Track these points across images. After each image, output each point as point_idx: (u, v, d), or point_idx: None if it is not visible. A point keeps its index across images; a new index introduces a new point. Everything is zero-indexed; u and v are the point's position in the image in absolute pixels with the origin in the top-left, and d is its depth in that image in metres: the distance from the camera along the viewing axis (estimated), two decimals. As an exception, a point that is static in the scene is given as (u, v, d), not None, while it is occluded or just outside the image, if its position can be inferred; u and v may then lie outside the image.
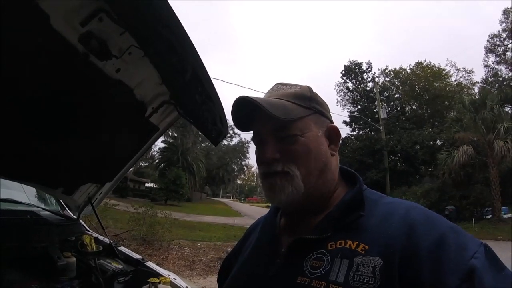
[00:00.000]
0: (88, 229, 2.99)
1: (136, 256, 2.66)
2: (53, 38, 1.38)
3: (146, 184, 44.67)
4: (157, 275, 2.34)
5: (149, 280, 2.11)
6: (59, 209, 3.07)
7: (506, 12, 37.80)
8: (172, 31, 1.36)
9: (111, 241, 2.69)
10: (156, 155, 44.33)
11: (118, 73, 1.79)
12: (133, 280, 2.28)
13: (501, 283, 0.65)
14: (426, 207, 0.85)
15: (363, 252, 0.74)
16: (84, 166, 2.44)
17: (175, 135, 42.26)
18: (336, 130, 0.93)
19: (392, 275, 0.69)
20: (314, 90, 0.95)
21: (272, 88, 0.96)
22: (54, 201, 3.14)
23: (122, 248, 2.75)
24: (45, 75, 1.60)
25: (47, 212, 2.85)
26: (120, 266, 2.34)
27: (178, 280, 2.38)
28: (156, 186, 37.28)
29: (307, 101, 0.90)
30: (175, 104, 2.26)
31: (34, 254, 2.02)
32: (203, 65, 1.60)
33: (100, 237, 2.84)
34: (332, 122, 0.95)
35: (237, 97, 0.85)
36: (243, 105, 0.86)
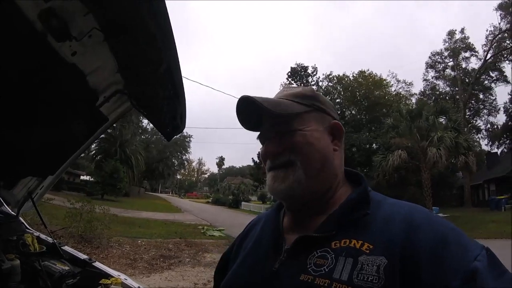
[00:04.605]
0: (28, 227, 2.73)
1: (83, 256, 2.46)
2: (9, 9, 1.21)
3: (82, 177, 42.30)
4: (107, 275, 2.18)
5: (100, 282, 1.96)
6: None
7: (450, 33, 41.88)
8: (158, 23, 1.25)
9: (55, 240, 2.47)
10: (92, 146, 42.16)
11: (74, 57, 1.63)
12: (82, 282, 2.11)
13: (503, 286, 0.66)
14: None
15: (367, 251, 0.74)
16: (26, 157, 2.21)
17: (114, 125, 40.48)
18: (338, 126, 0.94)
19: (396, 274, 0.69)
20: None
21: (279, 90, 1.01)
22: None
23: (67, 248, 2.53)
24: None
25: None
26: (67, 268, 2.14)
27: (129, 281, 2.24)
28: (92, 179, 35.53)
29: (307, 99, 0.93)
30: (129, 95, 2.12)
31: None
32: (178, 61, 1.50)
33: (42, 236, 2.60)
34: (336, 119, 0.97)
35: (240, 96, 0.89)
36: (245, 103, 0.89)
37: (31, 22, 1.31)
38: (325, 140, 0.91)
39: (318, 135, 0.89)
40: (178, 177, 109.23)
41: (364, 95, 38.60)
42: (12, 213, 2.71)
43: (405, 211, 0.80)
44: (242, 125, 0.97)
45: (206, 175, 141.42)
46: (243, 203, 44.51)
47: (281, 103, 0.90)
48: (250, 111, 0.90)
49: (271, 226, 0.99)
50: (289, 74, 36.87)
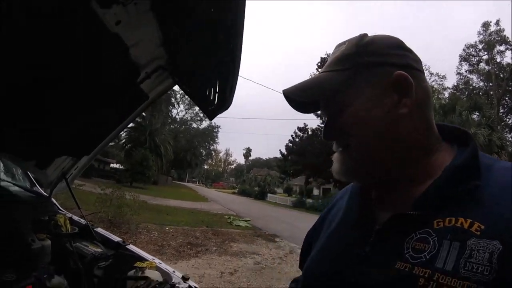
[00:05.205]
0: (60, 208, 2.71)
1: (116, 238, 2.42)
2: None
3: (111, 165, 43.41)
4: (141, 259, 2.12)
5: (135, 265, 1.88)
6: (29, 185, 2.76)
7: (485, 25, 40.08)
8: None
9: (88, 222, 2.43)
10: (122, 135, 43.22)
11: (118, 26, 1.49)
12: (115, 265, 2.05)
13: None
14: None
15: (478, 233, 0.58)
16: (62, 135, 2.16)
17: (144, 114, 41.36)
18: (403, 78, 0.70)
19: None
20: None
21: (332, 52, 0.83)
22: (21, 176, 2.83)
23: (100, 230, 2.50)
24: (29, 17, 1.30)
25: (17, 188, 2.54)
26: (100, 250, 2.10)
27: (163, 265, 2.17)
28: (121, 167, 36.41)
29: (350, 59, 0.75)
30: (171, 71, 2.00)
31: (4, 236, 1.72)
32: (244, 13, 1.26)
33: (75, 217, 2.57)
34: (406, 65, 0.73)
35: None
36: (287, 98, 0.80)
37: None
38: (382, 107, 0.71)
39: (370, 105, 0.72)
40: (205, 167, 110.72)
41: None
42: (45, 194, 2.70)
43: None
44: (301, 112, 0.88)
45: (232, 166, 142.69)
46: (269, 194, 44.54)
47: (317, 82, 0.77)
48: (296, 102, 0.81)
49: (358, 201, 0.83)
50: (319, 64, 36.22)
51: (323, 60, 35.53)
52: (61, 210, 2.64)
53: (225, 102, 1.82)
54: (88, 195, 10.94)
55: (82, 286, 1.84)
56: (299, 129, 36.09)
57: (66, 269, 1.87)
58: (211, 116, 2.03)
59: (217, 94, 1.79)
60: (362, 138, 0.73)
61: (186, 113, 61.94)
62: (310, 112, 0.89)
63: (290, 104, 0.81)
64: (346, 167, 0.77)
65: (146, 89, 2.09)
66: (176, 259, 6.92)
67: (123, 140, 42.24)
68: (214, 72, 1.70)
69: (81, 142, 2.38)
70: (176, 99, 57.12)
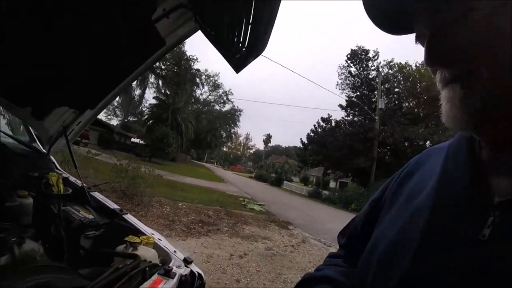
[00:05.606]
0: (59, 167, 2.43)
1: (113, 205, 2.12)
2: None
3: (132, 139, 44.10)
4: (137, 232, 1.81)
5: (126, 238, 1.57)
6: (28, 140, 2.50)
7: None
8: None
9: (84, 184, 2.14)
10: (145, 111, 43.78)
11: None
12: (106, 235, 1.75)
13: None
14: None
15: None
16: (63, 81, 1.86)
17: (168, 92, 41.70)
18: None
19: None
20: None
21: None
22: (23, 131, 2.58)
23: (97, 194, 2.20)
24: None
25: (10, 140, 2.28)
26: (91, 217, 1.80)
27: (163, 242, 1.83)
28: (142, 142, 36.95)
29: None
30: (194, 10, 1.65)
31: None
32: None
33: (72, 179, 2.29)
34: None
35: None
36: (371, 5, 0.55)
37: None
38: None
39: (502, 12, 0.42)
40: (224, 149, 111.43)
41: (425, 87, 36.18)
42: (43, 150, 2.43)
43: None
44: (385, 30, 0.57)
45: (251, 151, 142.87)
46: (285, 182, 44.34)
47: None
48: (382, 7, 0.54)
49: (463, 164, 0.57)
50: (349, 56, 35.25)
51: (353, 52, 34.52)
52: (58, 170, 2.37)
53: (257, 44, 1.44)
54: (105, 165, 10.92)
55: (64, 257, 1.55)
56: (323, 119, 35.42)
57: (48, 235, 1.58)
58: (239, 66, 1.68)
59: (248, 33, 1.41)
60: (496, 62, 0.43)
61: (210, 95, 62.35)
62: (401, 31, 0.56)
63: (372, 13, 0.55)
64: (470, 108, 0.46)
65: (162, 32, 1.74)
66: (186, 236, 6.71)
67: (146, 116, 42.88)
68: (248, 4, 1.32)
69: (84, 93, 2.08)
70: (201, 80, 57.52)
